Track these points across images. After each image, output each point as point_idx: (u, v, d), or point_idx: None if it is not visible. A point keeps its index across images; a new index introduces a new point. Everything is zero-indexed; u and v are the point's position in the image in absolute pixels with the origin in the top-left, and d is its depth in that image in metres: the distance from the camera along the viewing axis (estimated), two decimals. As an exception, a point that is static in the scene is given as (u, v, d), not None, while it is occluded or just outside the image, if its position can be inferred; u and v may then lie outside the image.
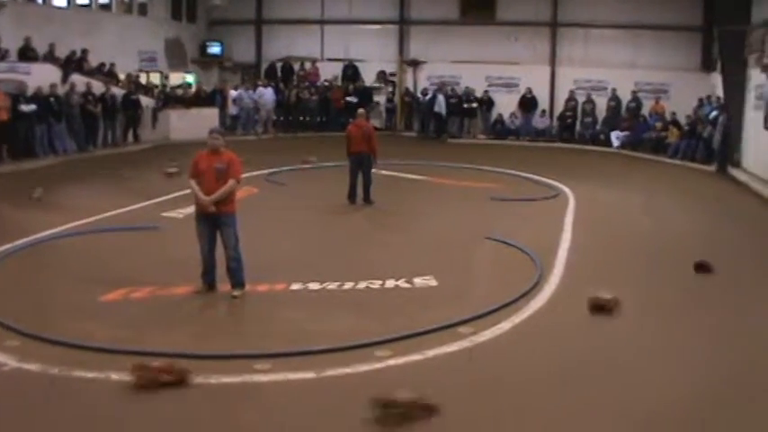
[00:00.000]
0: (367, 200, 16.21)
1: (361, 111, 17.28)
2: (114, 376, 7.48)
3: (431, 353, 8.19)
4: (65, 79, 23.27)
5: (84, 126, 23.44)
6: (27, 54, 22.91)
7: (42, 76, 22.24)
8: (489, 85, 30.05)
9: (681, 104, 26.86)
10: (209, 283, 10.10)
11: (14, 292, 10.30)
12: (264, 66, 32.49)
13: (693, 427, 6.76)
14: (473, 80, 29.92)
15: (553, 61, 30.16)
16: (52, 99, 22.02)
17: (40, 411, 6.93)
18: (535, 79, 29.65)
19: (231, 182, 9.81)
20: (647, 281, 11.07)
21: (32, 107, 21.26)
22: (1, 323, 8.76)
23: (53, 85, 22.22)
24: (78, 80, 23.62)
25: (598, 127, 28.52)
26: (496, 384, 7.59)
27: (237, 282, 10.02)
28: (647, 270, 11.64)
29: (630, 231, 14.30)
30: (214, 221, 9.93)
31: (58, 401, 7.11)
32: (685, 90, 27.49)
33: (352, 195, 16.24)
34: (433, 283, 10.72)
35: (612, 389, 7.51)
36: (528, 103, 29.44)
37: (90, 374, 7.54)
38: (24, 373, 7.60)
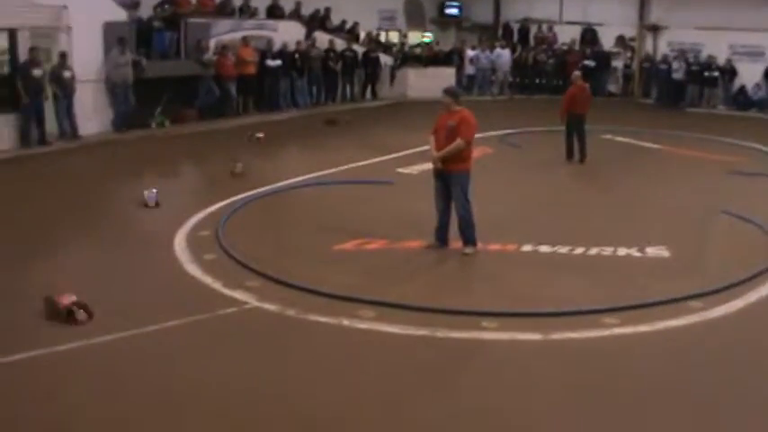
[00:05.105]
0: (584, 159, 16.55)
1: (576, 73, 17.38)
2: (346, 322, 7.76)
3: (660, 325, 7.95)
4: (308, 36, 24.07)
5: (325, 82, 24.19)
6: (274, 12, 23.91)
7: (288, 33, 23.16)
8: (733, 54, 28.53)
9: None
10: (441, 240, 10.20)
11: (255, 236, 10.89)
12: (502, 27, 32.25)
13: None
14: (715, 48, 28.37)
15: (806, 27, 28.23)
16: (296, 55, 22.87)
17: (278, 348, 7.30)
18: (784, 48, 27.89)
19: (457, 141, 9.81)
20: None
21: (278, 62, 22.19)
22: (244, 264, 9.27)
23: (298, 42, 23.08)
24: (321, 37, 24.37)
25: None
26: (722, 359, 7.29)
27: (467, 240, 10.07)
28: None
29: None
30: (445, 179, 10.04)
31: (294, 341, 7.49)
32: None
33: (570, 153, 16.60)
34: (666, 254, 10.38)
35: None
36: (774, 73, 27.77)
37: (323, 319, 7.85)
38: (264, 312, 8.03)
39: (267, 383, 6.53)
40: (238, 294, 8.40)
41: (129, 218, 11.62)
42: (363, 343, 7.46)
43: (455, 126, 9.87)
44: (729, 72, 27.98)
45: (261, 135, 15.27)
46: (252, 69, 21.42)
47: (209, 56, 20.27)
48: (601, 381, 6.81)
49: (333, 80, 24.60)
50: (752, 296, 8.89)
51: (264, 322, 7.84)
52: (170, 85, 19.15)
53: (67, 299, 7.58)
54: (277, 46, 22.56)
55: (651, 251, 10.42)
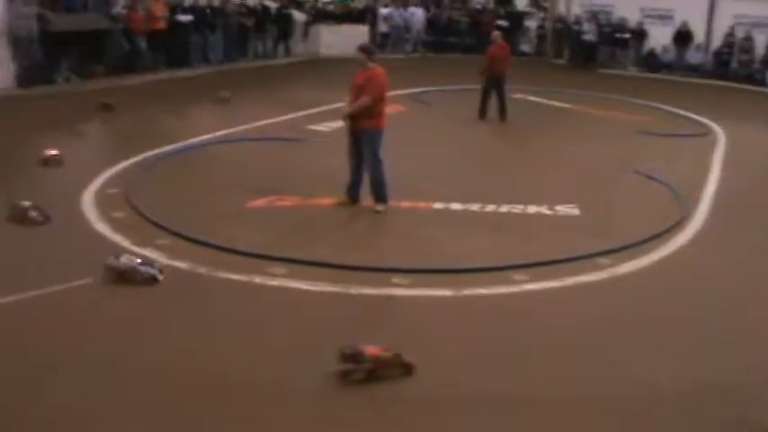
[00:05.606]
0: (505, 118, 16.76)
1: (496, 33, 17.67)
2: (257, 280, 7.75)
3: (569, 281, 8.13)
4: (221, -9, 23.75)
5: (237, 38, 23.88)
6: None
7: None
8: (644, 17, 28.98)
9: None
10: (352, 197, 10.25)
11: (166, 193, 10.74)
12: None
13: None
14: (627, 10, 28.83)
15: (713, -7, 28.75)
16: (208, 10, 22.52)
17: (189, 306, 7.28)
18: (691, 12, 28.38)
19: (363, 98, 9.87)
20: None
21: (189, 17, 21.81)
22: (154, 222, 9.17)
23: (209, -3, 22.77)
24: (233, -8, 24.09)
25: (755, 66, 27.16)
26: (630, 314, 7.49)
27: (379, 197, 10.13)
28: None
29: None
30: (356, 136, 10.06)
31: (204, 298, 7.46)
32: None
33: (483, 112, 16.80)
34: (576, 212, 10.59)
35: (743, 332, 7.29)
36: (683, 36, 28.29)
37: (235, 276, 7.82)
38: (174, 270, 7.94)
39: (178, 341, 6.47)
40: (148, 252, 8.27)
41: (34, 176, 11.32)
42: (275, 301, 7.46)
43: (363, 83, 9.90)
44: (640, 34, 28.45)
45: (55, 152, 11.79)
46: (162, 25, 21.02)
47: (118, 10, 19.83)
48: (512, 335, 6.94)
49: (244, 36, 24.31)
50: (658, 253, 9.13)
51: (175, 280, 7.75)
52: (77, 40, 18.64)
53: (371, 349, 6.02)
54: (188, 1, 22.18)
55: (561, 209, 10.62)
